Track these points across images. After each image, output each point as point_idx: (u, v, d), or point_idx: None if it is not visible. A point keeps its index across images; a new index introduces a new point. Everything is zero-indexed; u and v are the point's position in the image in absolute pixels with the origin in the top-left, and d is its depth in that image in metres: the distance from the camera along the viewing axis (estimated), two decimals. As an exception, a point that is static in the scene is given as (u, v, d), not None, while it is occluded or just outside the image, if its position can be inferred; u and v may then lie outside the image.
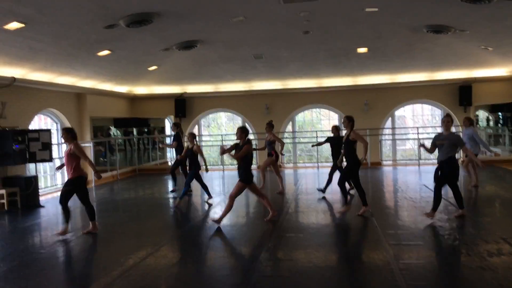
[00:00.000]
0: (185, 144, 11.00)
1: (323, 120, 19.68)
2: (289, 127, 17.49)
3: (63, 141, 7.31)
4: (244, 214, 8.77)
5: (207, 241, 6.87)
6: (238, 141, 7.35)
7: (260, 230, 7.40)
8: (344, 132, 8.20)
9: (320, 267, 5.31)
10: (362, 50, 12.27)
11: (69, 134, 7.06)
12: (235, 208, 9.10)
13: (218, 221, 7.35)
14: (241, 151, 7.15)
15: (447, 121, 7.27)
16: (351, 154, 7.78)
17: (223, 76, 15.06)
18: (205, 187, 9.70)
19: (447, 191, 10.40)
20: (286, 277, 5.01)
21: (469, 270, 4.95)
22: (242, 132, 7.29)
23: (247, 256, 5.83)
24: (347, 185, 8.68)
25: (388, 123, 16.72)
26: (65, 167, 7.14)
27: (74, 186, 7.01)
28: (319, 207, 8.77)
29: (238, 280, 4.97)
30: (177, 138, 11.10)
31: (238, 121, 18.35)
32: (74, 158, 6.96)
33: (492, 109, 16.71)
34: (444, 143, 7.11)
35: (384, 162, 16.42)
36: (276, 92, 16.61)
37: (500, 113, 16.55)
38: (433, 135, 8.25)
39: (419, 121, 19.89)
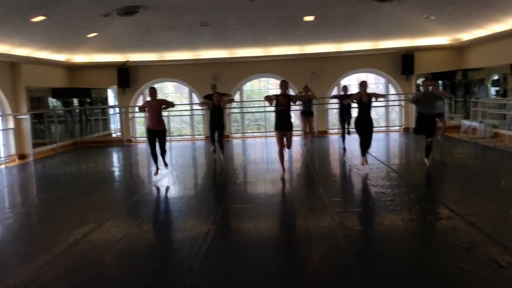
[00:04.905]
0: None
1: (271, 90, 19.64)
2: (237, 97, 17.30)
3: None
4: (192, 186, 8.65)
5: (153, 215, 6.73)
6: None
7: (207, 202, 7.34)
8: None
9: (267, 237, 5.33)
10: (309, 18, 12.21)
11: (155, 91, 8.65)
12: (183, 180, 8.99)
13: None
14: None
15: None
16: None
17: (167, 44, 14.57)
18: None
19: (389, 159, 10.76)
20: (234, 249, 4.99)
21: (410, 236, 5.12)
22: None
23: (194, 229, 5.75)
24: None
25: (334, 92, 16.90)
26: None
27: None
28: (267, 177, 8.79)
29: (185, 254, 4.89)
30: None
31: (185, 91, 17.97)
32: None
33: (433, 77, 17.23)
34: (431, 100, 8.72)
35: (331, 131, 16.68)
36: (223, 61, 16.31)
37: (440, 81, 17.13)
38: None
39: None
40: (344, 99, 10.07)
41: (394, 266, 4.33)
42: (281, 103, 8.25)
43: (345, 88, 11.75)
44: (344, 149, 11.52)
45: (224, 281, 4.15)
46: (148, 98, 8.79)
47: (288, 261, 4.69)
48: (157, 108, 8.62)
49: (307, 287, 4.01)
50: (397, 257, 4.57)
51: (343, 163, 10.36)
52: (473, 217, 5.60)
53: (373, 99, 8.81)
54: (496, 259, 4.27)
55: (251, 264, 4.55)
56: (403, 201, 6.52)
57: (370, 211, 6.34)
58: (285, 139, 8.40)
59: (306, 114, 12.27)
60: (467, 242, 4.75)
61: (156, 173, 8.86)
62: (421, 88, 9.79)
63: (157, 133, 8.69)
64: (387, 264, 4.37)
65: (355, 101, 8.89)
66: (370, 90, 9.25)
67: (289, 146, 8.53)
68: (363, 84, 8.83)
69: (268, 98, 8.36)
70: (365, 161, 8.98)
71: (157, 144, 8.71)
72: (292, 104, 8.34)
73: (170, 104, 8.81)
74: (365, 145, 8.96)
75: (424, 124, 8.73)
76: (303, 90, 11.98)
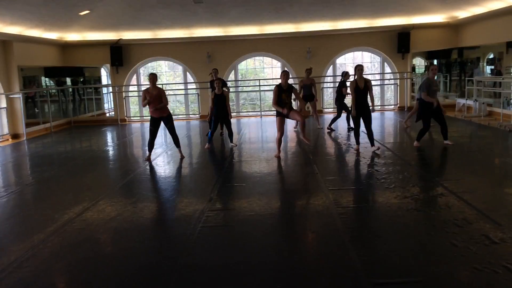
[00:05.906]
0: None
1: (266, 69, 19.51)
2: (231, 76, 17.17)
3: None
4: (187, 165, 8.63)
5: (148, 194, 6.73)
6: None
7: (202, 181, 7.33)
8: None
9: (262, 215, 5.34)
10: (304, -5, 12.05)
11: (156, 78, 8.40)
12: (178, 159, 8.97)
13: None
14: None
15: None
16: None
17: (161, 22, 14.37)
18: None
19: (384, 138, 10.76)
20: (229, 226, 5.01)
21: (403, 213, 5.15)
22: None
23: (189, 207, 5.75)
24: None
25: (330, 71, 16.81)
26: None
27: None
28: (262, 156, 8.79)
29: (180, 232, 4.90)
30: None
31: (179, 70, 17.81)
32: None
33: (429, 56, 17.18)
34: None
35: (326, 110, 16.64)
36: (217, 40, 16.11)
37: (435, 60, 17.06)
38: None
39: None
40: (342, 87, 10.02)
41: (388, 242, 4.36)
42: (284, 101, 7.98)
43: (346, 74, 11.20)
44: (331, 129, 11.54)
45: (219, 259, 4.17)
46: (148, 85, 8.52)
47: (282, 239, 4.71)
48: (157, 97, 8.37)
49: (301, 264, 4.04)
50: (390, 233, 4.59)
51: (337, 143, 10.36)
52: (467, 194, 5.63)
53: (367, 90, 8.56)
54: (488, 235, 4.30)
55: (246, 241, 4.57)
56: (397, 179, 6.54)
57: (364, 189, 6.37)
58: (294, 119, 8.29)
59: (307, 99, 11.92)
60: (460, 219, 4.78)
61: (147, 160, 8.67)
62: (426, 73, 9.36)
63: (163, 120, 8.53)
64: (381, 241, 4.40)
65: (349, 93, 8.83)
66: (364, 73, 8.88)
67: (302, 120, 8.15)
68: (358, 68, 8.47)
69: (276, 104, 8.05)
70: (376, 148, 8.65)
71: (168, 134, 8.42)
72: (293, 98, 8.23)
73: (164, 103, 8.46)
74: (368, 134, 8.67)
75: (433, 114, 8.62)
76: (306, 73, 11.78)
